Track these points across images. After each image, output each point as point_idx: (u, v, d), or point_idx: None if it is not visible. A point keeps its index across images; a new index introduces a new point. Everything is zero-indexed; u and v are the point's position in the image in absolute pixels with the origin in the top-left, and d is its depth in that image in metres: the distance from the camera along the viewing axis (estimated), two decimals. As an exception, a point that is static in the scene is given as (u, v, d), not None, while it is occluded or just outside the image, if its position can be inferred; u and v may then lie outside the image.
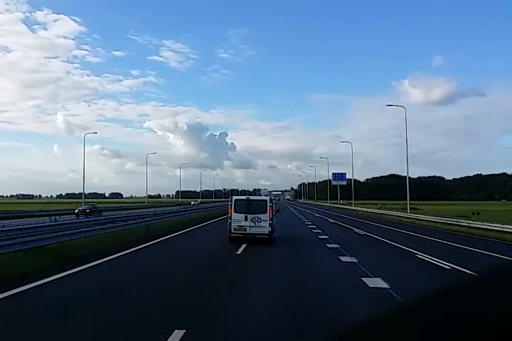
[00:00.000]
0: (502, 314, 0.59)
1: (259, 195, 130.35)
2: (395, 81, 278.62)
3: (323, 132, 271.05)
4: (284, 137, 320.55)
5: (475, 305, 0.63)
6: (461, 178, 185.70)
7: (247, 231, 15.95)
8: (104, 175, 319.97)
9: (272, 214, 16.24)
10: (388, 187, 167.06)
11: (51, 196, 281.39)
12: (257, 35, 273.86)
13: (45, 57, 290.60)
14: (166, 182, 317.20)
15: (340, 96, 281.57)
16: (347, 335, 0.69)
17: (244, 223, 15.95)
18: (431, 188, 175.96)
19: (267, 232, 15.92)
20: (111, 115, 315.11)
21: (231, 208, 16.35)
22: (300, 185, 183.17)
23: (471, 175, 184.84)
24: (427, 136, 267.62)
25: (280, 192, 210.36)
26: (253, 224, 15.90)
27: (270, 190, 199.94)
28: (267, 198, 17.83)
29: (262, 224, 15.91)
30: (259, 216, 15.98)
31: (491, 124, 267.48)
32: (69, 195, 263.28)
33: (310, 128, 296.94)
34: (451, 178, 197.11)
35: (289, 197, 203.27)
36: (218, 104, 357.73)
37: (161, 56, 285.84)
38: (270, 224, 15.96)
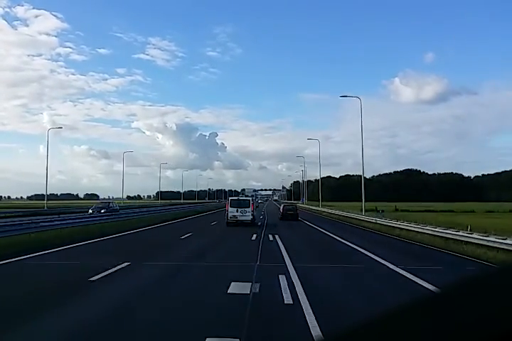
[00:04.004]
0: (502, 314, 0.59)
1: (244, 194, 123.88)
2: (386, 80, 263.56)
3: (314, 132, 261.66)
4: (275, 137, 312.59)
5: (475, 305, 0.63)
6: (496, 173, 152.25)
7: (238, 219, 25.91)
8: (93, 176, 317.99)
9: (254, 208, 27.75)
10: (404, 185, 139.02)
11: (21, 197, 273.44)
12: (244, 32, 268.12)
13: (28, 55, 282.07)
14: (152, 183, 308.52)
15: (331, 96, 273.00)
16: (346, 335, 0.68)
17: (235, 213, 26.04)
18: (455, 186, 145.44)
19: (249, 219, 26.16)
20: (98, 115, 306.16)
21: (228, 204, 26.74)
22: (295, 183, 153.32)
23: (508, 169, 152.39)
24: (418, 136, 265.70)
25: (271, 192, 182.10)
26: (241, 214, 25.97)
27: (261, 189, 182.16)
28: (250, 198, 29.25)
29: (246, 214, 26.05)
30: (245, 209, 26.11)
31: (483, 124, 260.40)
32: (39, 196, 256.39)
33: (300, 129, 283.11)
34: (479, 174, 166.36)
35: (277, 197, 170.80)
36: (207, 103, 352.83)
37: (147, 54, 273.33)
38: (252, 214, 26.49)
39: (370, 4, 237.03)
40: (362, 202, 35.19)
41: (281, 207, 37.04)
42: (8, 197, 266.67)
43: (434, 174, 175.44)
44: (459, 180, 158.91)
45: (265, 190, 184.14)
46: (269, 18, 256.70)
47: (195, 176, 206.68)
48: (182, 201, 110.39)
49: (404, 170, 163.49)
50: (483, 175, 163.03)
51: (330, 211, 47.76)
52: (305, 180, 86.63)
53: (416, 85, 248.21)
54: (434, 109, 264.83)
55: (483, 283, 0.69)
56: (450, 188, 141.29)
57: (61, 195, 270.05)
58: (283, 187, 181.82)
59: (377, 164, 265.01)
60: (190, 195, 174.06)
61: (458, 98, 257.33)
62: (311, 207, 67.87)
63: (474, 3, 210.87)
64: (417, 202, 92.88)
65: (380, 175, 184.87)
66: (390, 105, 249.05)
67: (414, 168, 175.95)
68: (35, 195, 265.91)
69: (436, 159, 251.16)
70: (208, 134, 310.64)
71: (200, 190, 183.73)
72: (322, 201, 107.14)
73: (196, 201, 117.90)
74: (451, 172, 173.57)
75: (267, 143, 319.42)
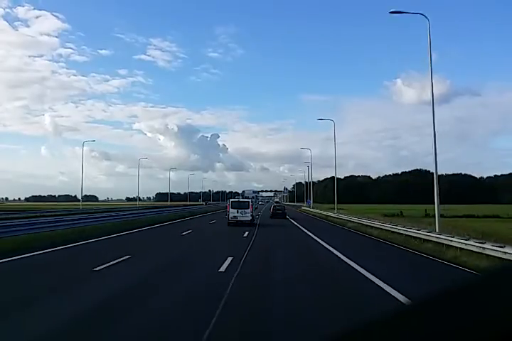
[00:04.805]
0: (502, 314, 0.59)
1: (244, 196, 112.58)
2: (388, 80, 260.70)
3: (316, 134, 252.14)
4: (276, 139, 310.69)
5: (476, 305, 0.63)
6: (511, 174, 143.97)
7: (238, 219, 28.21)
8: (95, 177, 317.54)
9: (252, 209, 29.81)
10: (413, 186, 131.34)
11: (19, 198, 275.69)
12: (245, 33, 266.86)
13: (29, 56, 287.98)
14: (152, 185, 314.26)
15: (333, 98, 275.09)
16: (347, 336, 0.68)
17: (236, 214, 28.28)
18: (468, 187, 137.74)
19: (249, 220, 28.37)
20: (99, 116, 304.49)
21: (229, 206, 28.96)
22: (298, 184, 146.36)
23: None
24: (421, 138, 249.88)
25: (272, 194, 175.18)
26: (241, 215, 28.21)
27: (262, 190, 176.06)
28: (249, 200, 32.20)
29: (246, 215, 28.28)
30: (245, 210, 28.36)
31: (485, 125, 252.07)
32: (36, 198, 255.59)
33: (302, 130, 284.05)
34: (491, 175, 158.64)
35: (278, 199, 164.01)
36: (209, 104, 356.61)
37: (149, 55, 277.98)
38: (251, 215, 28.76)
39: (372, 5, 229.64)
40: (428, 205, 23.26)
41: (271, 207, 43.17)
42: (6, 199, 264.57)
43: (443, 175, 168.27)
44: (472, 181, 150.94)
45: (266, 191, 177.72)
46: (271, 19, 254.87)
47: (196, 178, 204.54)
48: (169, 203, 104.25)
49: (412, 171, 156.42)
50: (495, 175, 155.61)
51: (356, 219, 31.20)
52: (311, 178, 74.21)
53: (418, 86, 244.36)
54: (436, 110, 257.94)
55: (482, 284, 0.68)
56: (463, 189, 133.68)
57: (59, 196, 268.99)
58: (285, 189, 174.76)
59: (379, 166, 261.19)
60: (190, 196, 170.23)
61: (461, 99, 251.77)
62: (323, 212, 50.24)
63: (477, 3, 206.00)
64: (433, 205, 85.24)
65: (386, 175, 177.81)
66: (391, 106, 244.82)
67: (422, 168, 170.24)
68: (33, 196, 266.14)
69: (440, 160, 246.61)
70: (209, 136, 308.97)
71: (200, 192, 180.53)
72: (327, 203, 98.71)
73: (186, 203, 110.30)
74: (460, 173, 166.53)
75: (268, 144, 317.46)
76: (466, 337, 0.58)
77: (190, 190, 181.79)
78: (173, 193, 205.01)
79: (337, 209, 44.70)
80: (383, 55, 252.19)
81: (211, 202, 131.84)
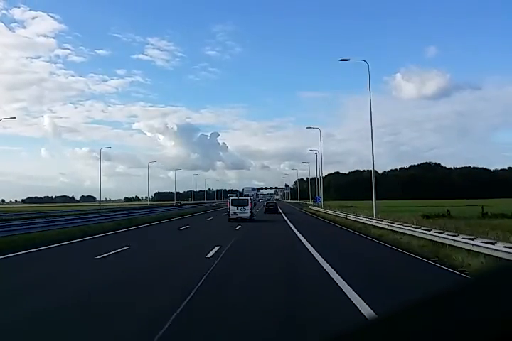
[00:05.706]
0: (502, 315, 0.59)
1: (242, 193, 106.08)
2: (387, 76, 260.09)
3: (316, 131, 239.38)
4: (276, 136, 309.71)
5: (475, 306, 0.63)
6: None
7: (238, 216, 30.64)
8: (97, 178, 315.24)
9: (252, 206, 32.08)
10: (423, 180, 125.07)
11: (16, 200, 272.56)
12: (243, 31, 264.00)
13: (27, 57, 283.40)
14: (151, 184, 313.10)
15: (332, 94, 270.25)
16: (347, 336, 0.68)
17: (236, 211, 30.85)
18: (481, 181, 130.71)
19: (248, 216, 30.80)
20: (99, 117, 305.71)
21: (229, 203, 31.61)
22: (300, 181, 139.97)
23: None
24: (421, 133, 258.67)
25: (273, 191, 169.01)
26: (241, 212, 30.74)
27: (261, 188, 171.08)
28: (248, 197, 33.31)
29: (245, 211, 30.83)
30: (244, 207, 30.98)
31: (486, 119, 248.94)
32: (32, 199, 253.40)
33: (302, 127, 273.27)
34: (505, 167, 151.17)
35: (279, 196, 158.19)
36: (208, 103, 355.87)
37: (147, 54, 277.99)
38: (250, 211, 31.22)
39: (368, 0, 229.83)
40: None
41: (264, 204, 49.98)
42: (3, 201, 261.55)
43: (451, 168, 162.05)
44: (485, 173, 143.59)
45: (267, 188, 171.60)
46: (268, 16, 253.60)
47: (196, 177, 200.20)
48: (149, 203, 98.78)
49: (421, 164, 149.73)
50: (509, 168, 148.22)
51: (441, 237, 13.57)
52: (321, 168, 61.30)
53: (418, 81, 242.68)
54: (436, 104, 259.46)
55: (482, 284, 0.68)
56: (474, 182, 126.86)
57: (56, 197, 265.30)
58: (286, 186, 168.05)
59: (380, 162, 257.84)
60: (184, 196, 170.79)
61: (461, 93, 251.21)
62: (348, 215, 31.39)
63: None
64: (454, 200, 78.30)
65: (391, 170, 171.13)
66: (391, 101, 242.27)
67: (432, 161, 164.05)
68: (29, 197, 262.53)
69: (441, 155, 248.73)
70: (209, 134, 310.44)
71: (200, 190, 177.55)
72: (330, 200, 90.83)
73: (166, 203, 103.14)
74: (470, 166, 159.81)
75: (268, 142, 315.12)
76: (463, 339, 0.58)
77: (188, 189, 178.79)
78: (171, 192, 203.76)
79: (348, 207, 35.57)
80: (382, 49, 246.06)
81: (190, 202, 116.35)
